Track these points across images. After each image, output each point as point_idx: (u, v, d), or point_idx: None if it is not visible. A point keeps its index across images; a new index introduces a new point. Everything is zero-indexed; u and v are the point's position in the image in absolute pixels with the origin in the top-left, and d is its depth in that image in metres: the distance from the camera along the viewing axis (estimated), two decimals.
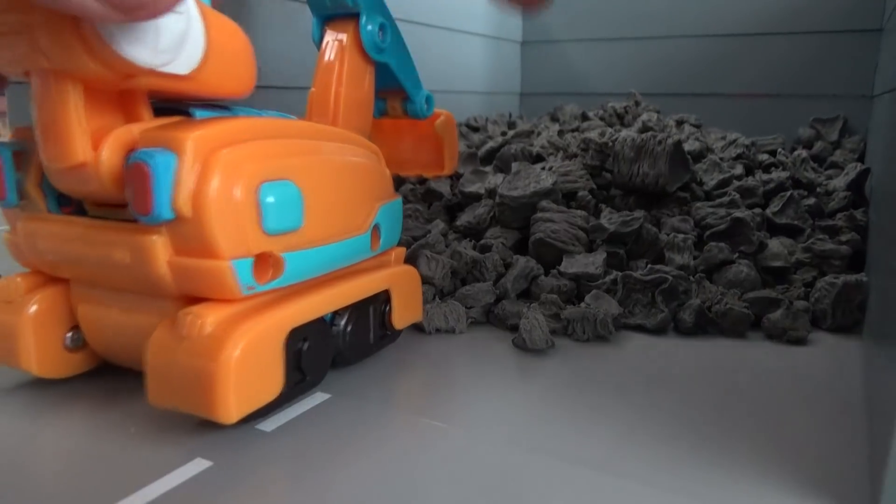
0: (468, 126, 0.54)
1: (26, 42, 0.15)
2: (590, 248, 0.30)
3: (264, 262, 0.18)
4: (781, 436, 0.19)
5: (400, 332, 0.24)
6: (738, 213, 0.31)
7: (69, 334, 0.21)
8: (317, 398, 0.21)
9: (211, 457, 0.17)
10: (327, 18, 0.26)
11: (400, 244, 0.25)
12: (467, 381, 0.22)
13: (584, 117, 0.54)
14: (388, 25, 0.26)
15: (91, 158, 0.17)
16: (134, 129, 0.17)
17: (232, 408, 0.17)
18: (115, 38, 0.15)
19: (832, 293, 0.26)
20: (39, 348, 0.20)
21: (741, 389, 0.22)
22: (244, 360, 0.17)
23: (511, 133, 0.46)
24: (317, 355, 0.20)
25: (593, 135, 0.36)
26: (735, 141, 0.45)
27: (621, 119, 0.50)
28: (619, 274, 0.28)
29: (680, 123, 0.49)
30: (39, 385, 0.21)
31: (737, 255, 0.30)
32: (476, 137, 0.50)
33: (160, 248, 0.17)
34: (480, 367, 0.23)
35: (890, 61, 0.41)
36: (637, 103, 0.52)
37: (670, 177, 0.32)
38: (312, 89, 0.24)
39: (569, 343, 0.25)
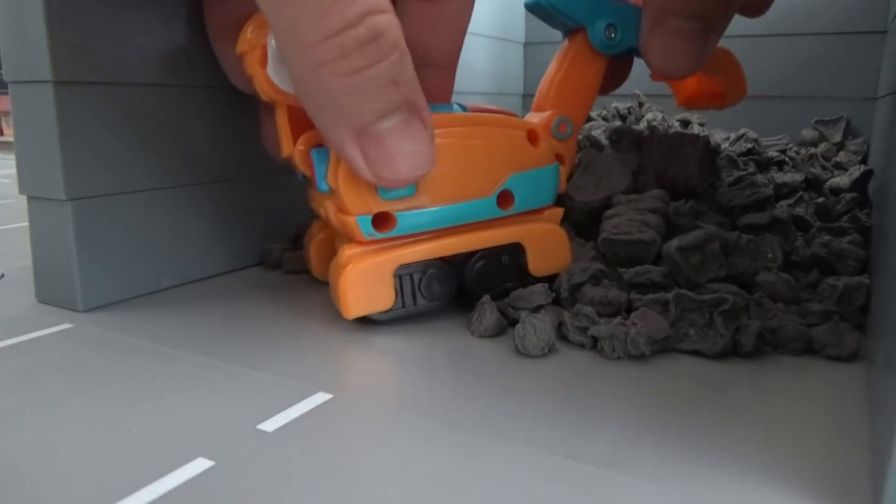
0: None
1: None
2: (667, 229, 0.29)
3: (384, 219, 0.25)
4: (783, 436, 0.19)
5: (549, 276, 0.28)
6: (778, 213, 0.30)
7: None
8: (318, 398, 0.21)
9: (213, 456, 0.17)
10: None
11: None
12: (470, 383, 0.22)
13: (587, 118, 0.54)
14: (617, 23, 0.31)
15: (293, 151, 0.26)
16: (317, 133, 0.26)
17: (350, 309, 0.25)
18: (283, 83, 0.25)
19: (834, 295, 0.26)
20: (317, 262, 0.31)
21: (742, 391, 0.22)
22: (356, 279, 0.25)
23: None
24: (434, 284, 0.27)
25: (626, 125, 0.36)
26: (743, 135, 0.45)
27: (624, 120, 0.50)
28: (671, 293, 0.25)
29: (686, 124, 0.49)
30: (39, 382, 0.22)
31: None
32: None
33: (332, 207, 0.26)
34: (483, 368, 0.23)
35: (893, 63, 0.41)
36: (641, 104, 0.52)
37: (700, 178, 0.31)
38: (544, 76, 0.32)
39: (573, 351, 0.25)
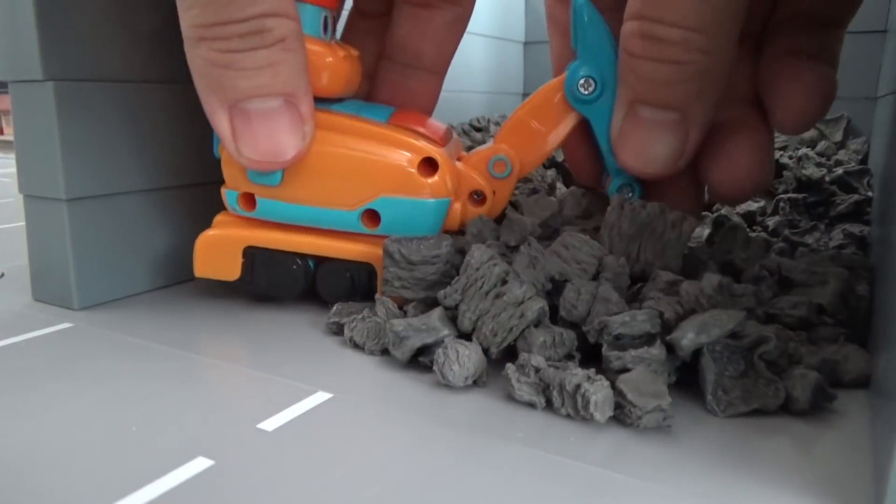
0: (472, 126, 0.54)
1: None
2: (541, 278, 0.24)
3: (248, 199, 0.28)
4: (784, 439, 0.19)
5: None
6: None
7: None
8: (318, 398, 0.21)
9: (212, 456, 0.17)
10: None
11: None
12: (467, 384, 0.22)
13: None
14: (600, 82, 0.26)
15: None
16: None
17: (196, 267, 0.29)
18: None
19: (863, 307, 0.25)
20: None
21: None
22: (206, 243, 0.28)
23: None
24: (276, 273, 0.28)
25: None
26: None
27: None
28: (709, 345, 0.20)
29: None
30: (38, 382, 0.22)
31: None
32: (480, 137, 0.50)
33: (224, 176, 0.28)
34: None
35: (893, 63, 0.41)
36: None
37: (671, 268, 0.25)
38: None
39: None
